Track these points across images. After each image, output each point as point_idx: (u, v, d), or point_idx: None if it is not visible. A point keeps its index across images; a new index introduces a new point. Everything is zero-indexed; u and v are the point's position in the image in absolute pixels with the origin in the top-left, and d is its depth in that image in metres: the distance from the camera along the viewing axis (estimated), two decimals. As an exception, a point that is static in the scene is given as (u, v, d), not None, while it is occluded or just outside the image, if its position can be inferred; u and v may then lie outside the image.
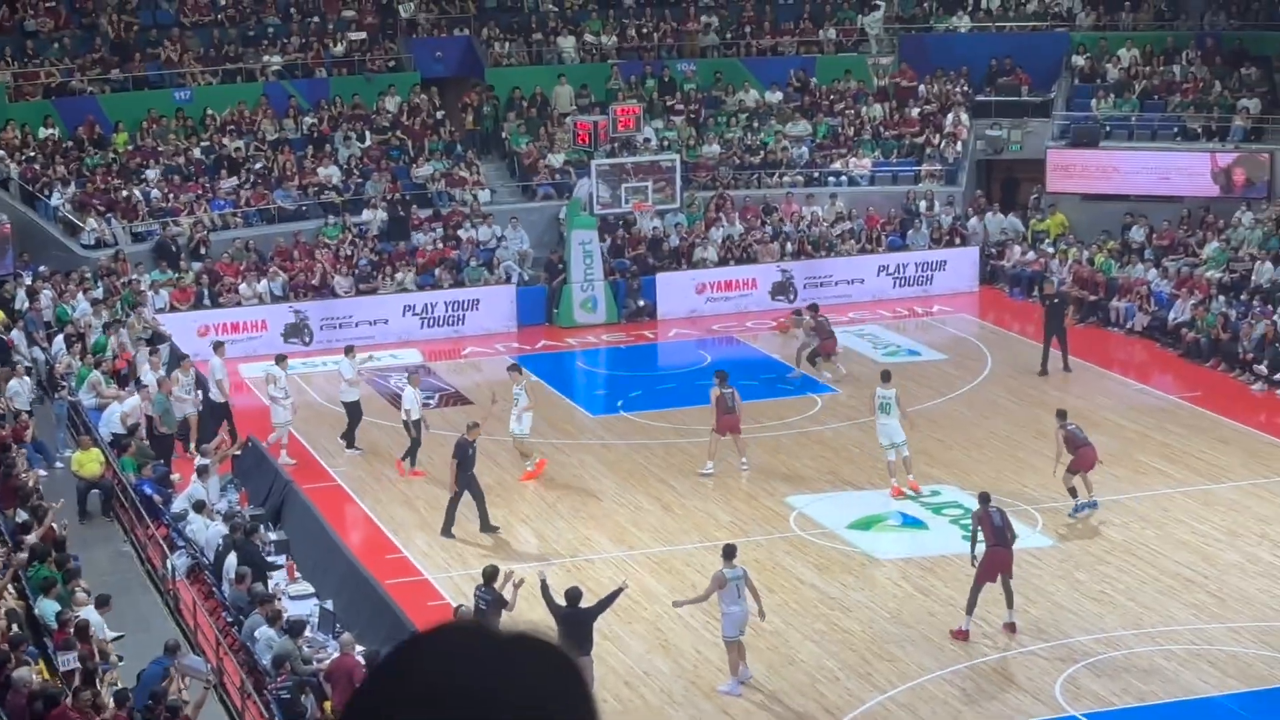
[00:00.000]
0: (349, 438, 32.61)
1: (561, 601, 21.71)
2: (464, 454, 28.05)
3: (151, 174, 43.30)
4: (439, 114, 47.40)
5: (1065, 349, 37.06)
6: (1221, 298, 39.09)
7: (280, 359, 33.34)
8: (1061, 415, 28.93)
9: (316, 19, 48.65)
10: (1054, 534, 27.79)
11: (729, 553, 22.83)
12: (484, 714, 2.25)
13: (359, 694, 2.35)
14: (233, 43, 47.38)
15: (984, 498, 24.63)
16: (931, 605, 25.03)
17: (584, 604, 21.65)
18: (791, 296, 43.48)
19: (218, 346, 34.09)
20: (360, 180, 44.63)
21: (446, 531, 28.16)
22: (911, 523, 28.64)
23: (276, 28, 48.18)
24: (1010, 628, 23.93)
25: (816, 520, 28.62)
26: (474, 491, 28.23)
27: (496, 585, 22.53)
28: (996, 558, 23.82)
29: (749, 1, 51.64)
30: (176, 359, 33.23)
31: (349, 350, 33.72)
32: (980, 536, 24.02)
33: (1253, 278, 40.10)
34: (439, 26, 49.65)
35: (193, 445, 31.08)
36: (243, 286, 40.62)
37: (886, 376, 30.88)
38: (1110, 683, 22.35)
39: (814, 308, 37.85)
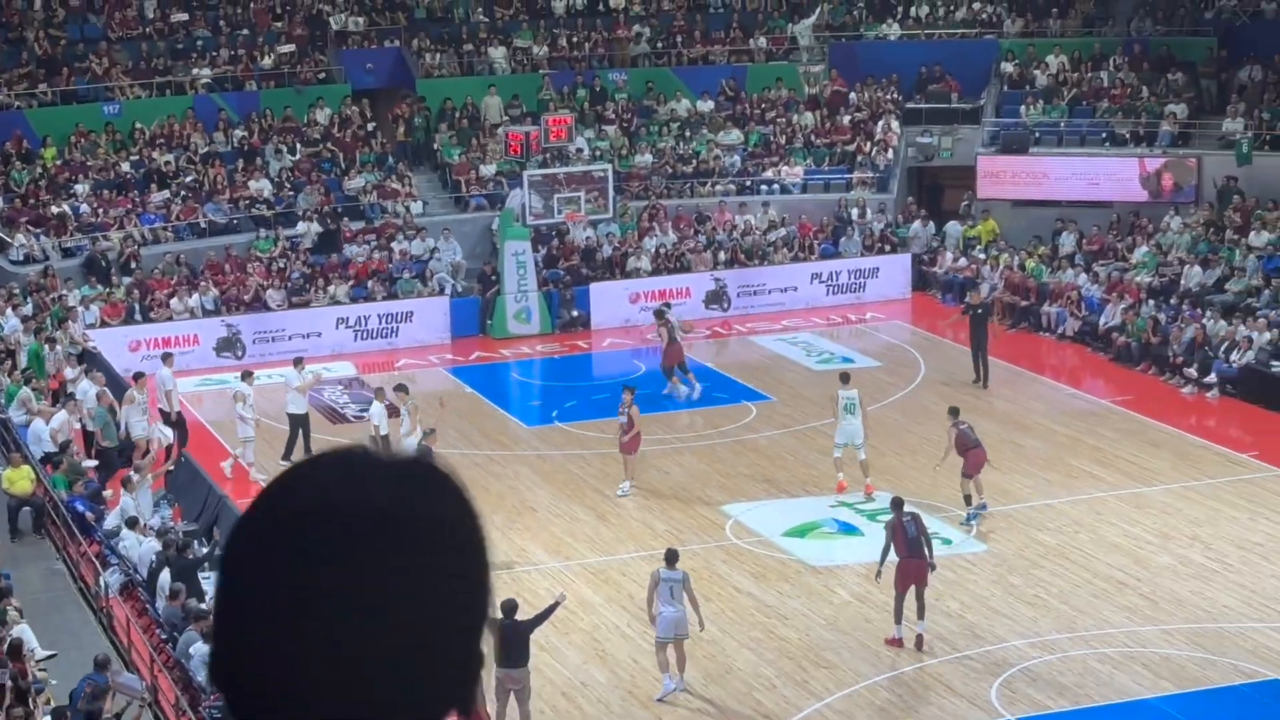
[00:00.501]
0: (288, 450, 32.41)
1: (499, 614, 21.70)
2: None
3: (80, 188, 43.01)
4: (370, 126, 47.28)
5: (985, 360, 36.99)
6: (1151, 302, 39.39)
7: (246, 375, 33.08)
8: (954, 412, 29.15)
9: (246, 31, 48.46)
10: (987, 539, 27.92)
11: (670, 557, 22.94)
12: (380, 534, 2.20)
13: (246, 515, 2.26)
14: (161, 56, 47.13)
15: (897, 503, 24.50)
16: (868, 612, 25.11)
17: (520, 616, 21.61)
18: (725, 305, 43.61)
19: (166, 358, 33.99)
20: (292, 193, 44.48)
21: None
22: (847, 529, 28.74)
23: (205, 40, 47.97)
24: (919, 641, 23.72)
25: (752, 528, 28.68)
26: None
27: None
28: (909, 569, 23.70)
29: (679, 11, 51.76)
30: (133, 376, 32.95)
31: (298, 362, 33.67)
32: (892, 546, 23.93)
33: (1182, 282, 40.44)
34: (369, 38, 49.53)
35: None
36: (174, 301, 40.40)
37: (846, 378, 31.25)
38: (1045, 686, 22.48)
39: (659, 314, 37.33)
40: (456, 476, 2.33)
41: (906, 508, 24.48)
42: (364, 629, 2.18)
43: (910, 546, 23.65)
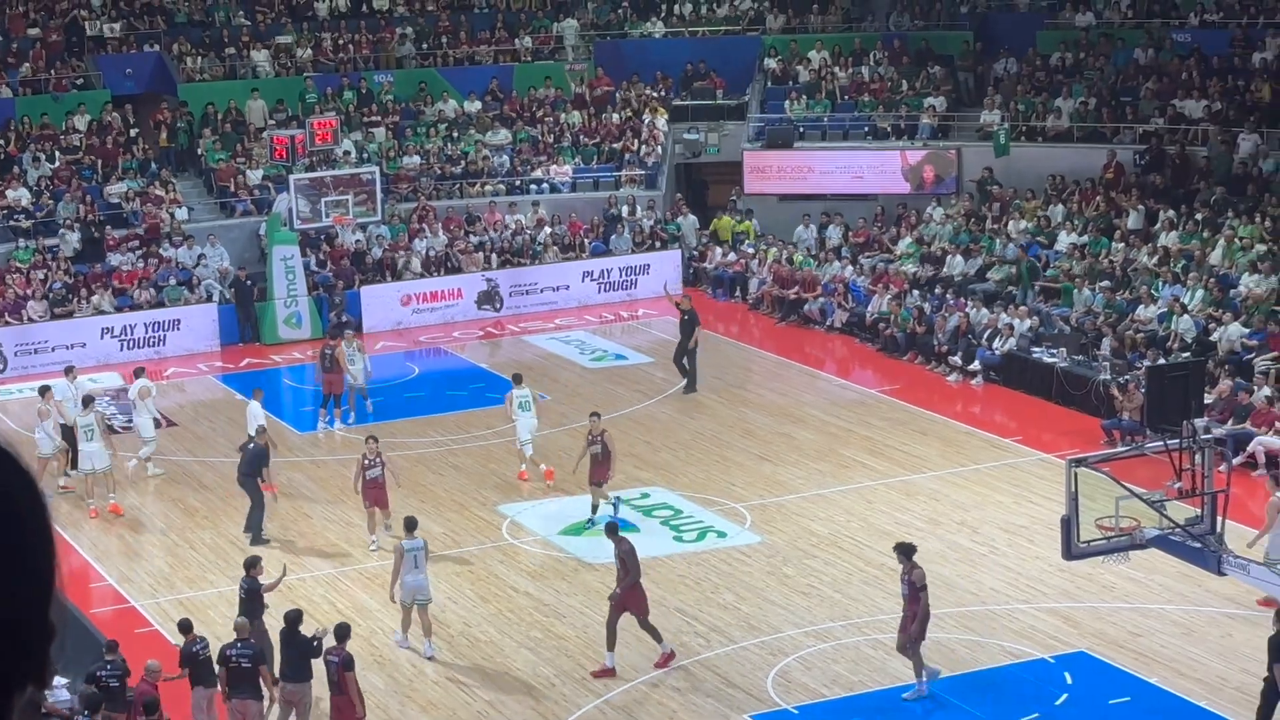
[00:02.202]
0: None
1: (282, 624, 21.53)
2: (269, 458, 28.56)
3: None
4: (132, 132, 46.46)
5: (686, 367, 36.25)
6: (916, 292, 40.12)
7: (139, 371, 32.65)
8: (596, 416, 29.02)
9: (-1, 38, 47.41)
10: (762, 530, 28.22)
11: (409, 525, 23.89)
12: None
13: None
14: (-88, 64, 45.91)
15: (612, 529, 24.06)
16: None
17: (303, 629, 21.48)
18: (498, 305, 43.56)
19: None
20: (51, 202, 43.55)
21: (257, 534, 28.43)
22: (623, 526, 28.78)
23: (-43, 47, 46.84)
24: (669, 658, 23.19)
25: (528, 528, 28.71)
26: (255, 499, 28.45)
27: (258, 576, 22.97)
28: (630, 595, 23.04)
29: (444, 12, 51.59)
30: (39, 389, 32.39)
31: (68, 371, 33.09)
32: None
33: (945, 271, 41.23)
34: (128, 43, 48.67)
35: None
36: (-69, 314, 39.39)
37: (519, 379, 32.09)
38: (820, 675, 22.77)
39: (333, 335, 36.58)
40: (8, 446, 2.33)
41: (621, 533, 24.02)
42: None
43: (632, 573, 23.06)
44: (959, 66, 48.36)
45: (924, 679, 22.06)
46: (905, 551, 22.36)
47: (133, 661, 21.55)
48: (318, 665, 21.19)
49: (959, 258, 41.39)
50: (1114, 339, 35.33)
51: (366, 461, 27.76)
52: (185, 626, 21.73)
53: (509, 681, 23.01)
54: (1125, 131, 43.50)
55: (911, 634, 21.93)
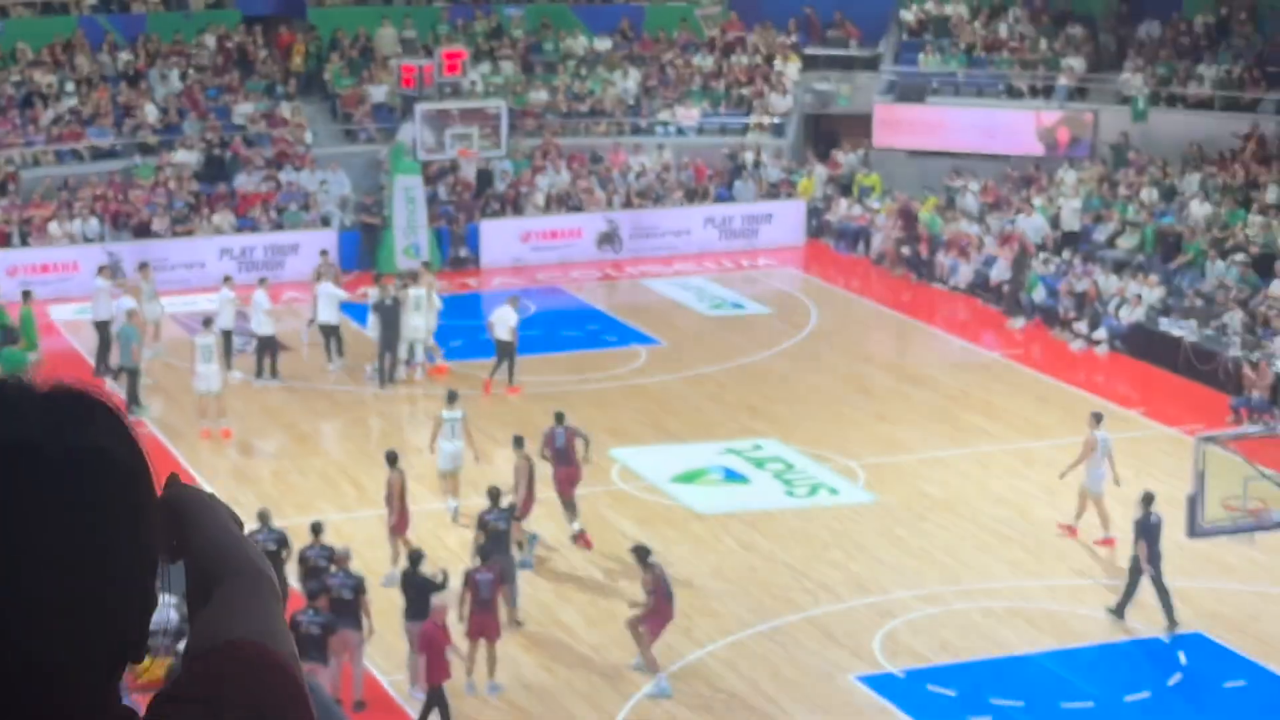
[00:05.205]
0: (272, 369, 33.02)
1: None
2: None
3: (-40, 108, 41.93)
4: (260, 53, 46.39)
5: (393, 356, 33.33)
6: (1043, 255, 39.34)
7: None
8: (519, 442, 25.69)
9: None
10: (875, 490, 27.75)
11: (451, 398, 26.53)
12: (36, 466, 2.03)
13: None
14: (47, -25, 46.01)
15: (558, 417, 26.00)
16: (753, 560, 24.90)
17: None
18: (618, 247, 43.17)
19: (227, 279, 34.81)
20: (178, 119, 43.56)
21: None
22: (734, 477, 28.50)
23: (92, -39, 46.87)
24: (581, 539, 25.30)
25: (640, 473, 28.37)
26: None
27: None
28: (562, 475, 25.36)
29: (578, -53, 51.20)
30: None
31: (262, 281, 34.02)
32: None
33: (1064, 228, 40.45)
34: (260, -37, 48.63)
35: None
36: (54, 225, 39.48)
37: (417, 276, 34.31)
38: (929, 639, 22.34)
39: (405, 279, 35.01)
40: (110, 402, 2.15)
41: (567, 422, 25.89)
42: (23, 569, 2.00)
43: (559, 455, 25.45)
44: (1100, 28, 47.32)
45: (654, 672, 21.31)
46: (639, 555, 21.78)
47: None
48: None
49: (1089, 223, 40.51)
50: (1245, 314, 34.45)
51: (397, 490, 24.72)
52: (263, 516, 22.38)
53: (612, 628, 22.70)
54: (1269, 101, 42.41)
55: (632, 624, 21.40)
